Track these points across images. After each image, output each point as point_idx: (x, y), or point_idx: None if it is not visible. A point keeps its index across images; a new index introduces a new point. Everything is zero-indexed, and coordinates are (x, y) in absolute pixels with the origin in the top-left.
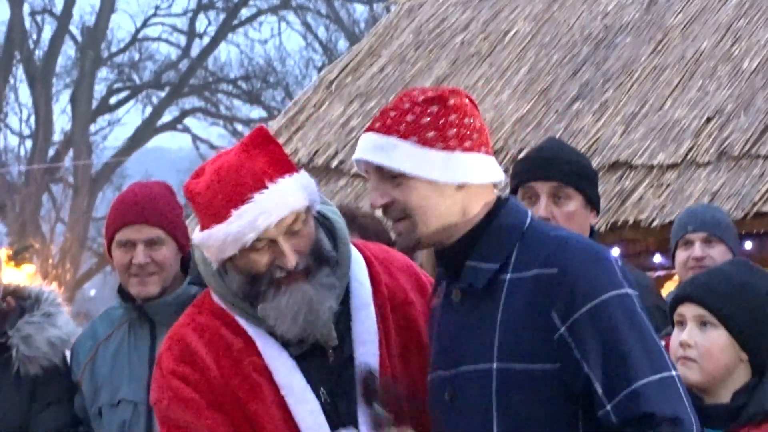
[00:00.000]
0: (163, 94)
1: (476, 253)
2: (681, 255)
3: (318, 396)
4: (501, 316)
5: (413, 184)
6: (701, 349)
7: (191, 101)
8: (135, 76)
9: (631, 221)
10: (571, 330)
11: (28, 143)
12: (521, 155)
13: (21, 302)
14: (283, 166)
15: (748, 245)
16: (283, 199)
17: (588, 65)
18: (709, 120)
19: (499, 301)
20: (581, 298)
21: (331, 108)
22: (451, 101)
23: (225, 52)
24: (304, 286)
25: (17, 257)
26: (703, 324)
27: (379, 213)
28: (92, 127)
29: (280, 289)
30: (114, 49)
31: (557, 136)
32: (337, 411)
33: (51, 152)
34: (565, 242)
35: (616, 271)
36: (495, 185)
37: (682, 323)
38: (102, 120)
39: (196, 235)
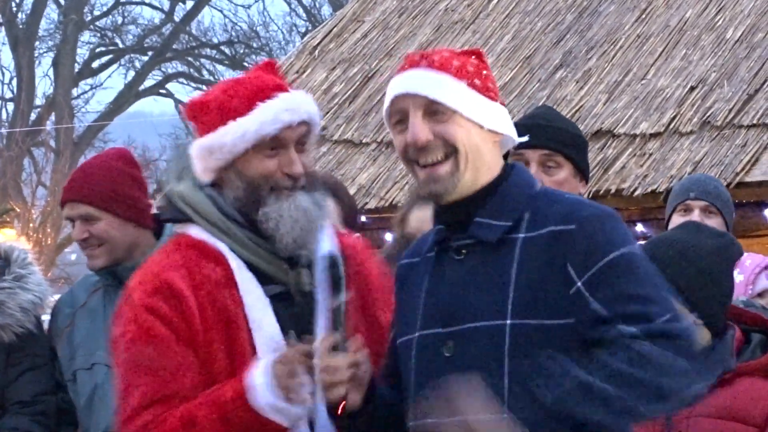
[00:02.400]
0: (146, 58)
1: (486, 210)
2: (677, 220)
3: (285, 337)
4: (516, 274)
5: (462, 123)
6: None
7: (174, 66)
8: (118, 40)
9: (613, 190)
10: (589, 283)
11: (10, 106)
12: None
13: None
14: (291, 90)
15: None
16: (304, 104)
17: (571, 33)
18: (692, 89)
19: (512, 259)
20: (600, 253)
21: (314, 74)
22: (484, 59)
23: (208, 16)
24: (304, 197)
25: None
26: None
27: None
28: (74, 91)
29: (281, 195)
30: (97, 12)
31: (540, 104)
32: None
33: (33, 116)
34: (580, 202)
35: (627, 230)
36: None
37: None
38: (84, 84)
39: (201, 140)
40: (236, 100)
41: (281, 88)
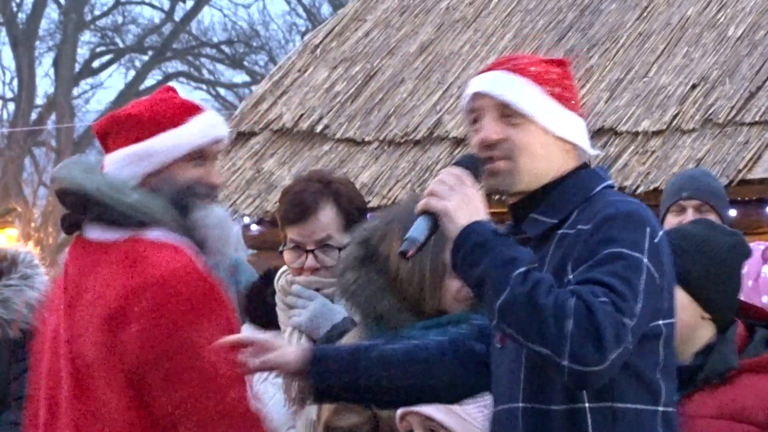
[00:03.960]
0: (146, 57)
1: (541, 207)
2: (671, 221)
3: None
4: (546, 268)
5: (532, 128)
6: None
7: (174, 65)
8: (118, 40)
9: (615, 188)
10: (574, 275)
11: (11, 106)
12: None
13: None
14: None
15: (733, 212)
16: (221, 122)
17: (573, 31)
18: (694, 87)
19: (547, 253)
20: (596, 249)
21: (315, 72)
22: (567, 69)
23: (208, 16)
24: (216, 207)
25: (0, 220)
26: None
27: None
28: (75, 91)
29: (203, 204)
30: (97, 12)
31: None
32: None
33: (34, 115)
34: (614, 204)
35: (645, 238)
36: (585, 157)
37: None
38: (85, 83)
39: (130, 148)
40: (168, 113)
41: (201, 108)
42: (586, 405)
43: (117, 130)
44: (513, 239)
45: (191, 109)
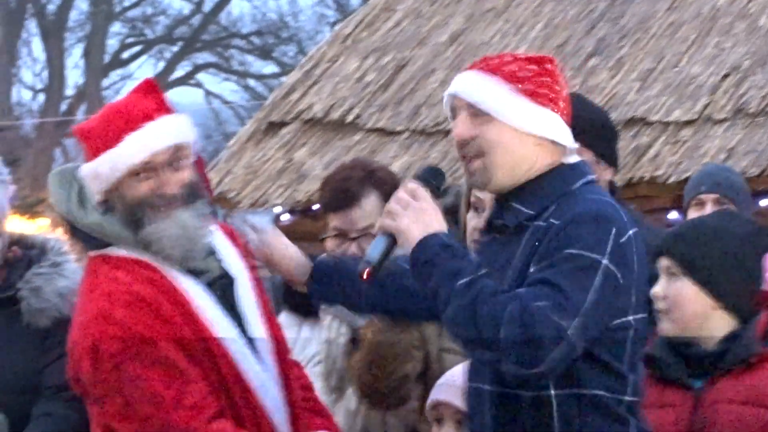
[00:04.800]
0: (175, 48)
1: (521, 198)
2: (692, 215)
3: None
4: (518, 257)
5: (499, 126)
6: (670, 300)
7: (204, 56)
8: (147, 31)
9: (647, 178)
10: (531, 273)
11: (41, 97)
12: None
13: (27, 252)
14: (169, 108)
15: (764, 203)
16: (170, 130)
17: (604, 21)
18: (725, 76)
19: (521, 242)
20: (561, 248)
21: (346, 63)
22: (548, 66)
23: (237, 7)
24: (183, 213)
25: (31, 210)
26: (672, 275)
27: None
28: (105, 82)
29: (159, 215)
30: (127, 3)
31: (573, 91)
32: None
33: (64, 106)
34: (584, 202)
35: (609, 239)
36: (565, 151)
37: (660, 276)
38: (114, 74)
39: (86, 166)
40: (110, 131)
41: (149, 117)
42: (552, 392)
43: (82, 143)
44: (462, 249)
45: (130, 125)
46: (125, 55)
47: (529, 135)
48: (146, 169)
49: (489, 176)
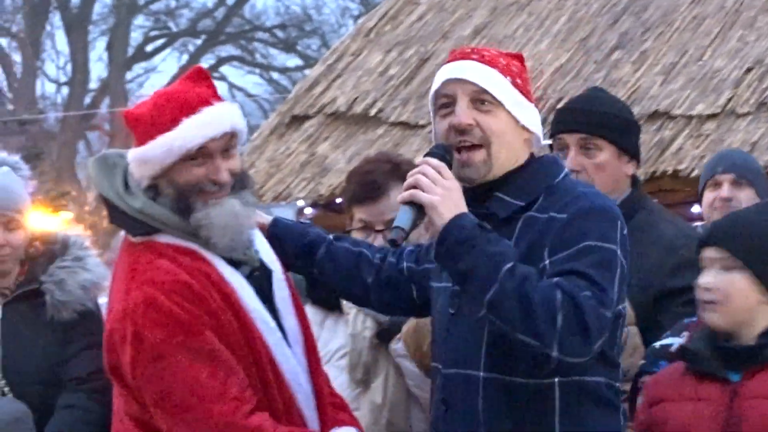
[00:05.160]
0: (199, 41)
1: (507, 189)
2: (708, 196)
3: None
4: (512, 245)
5: (501, 115)
6: (722, 292)
7: (227, 49)
8: (171, 24)
9: (670, 171)
10: (553, 263)
11: (65, 90)
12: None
13: (50, 246)
14: (220, 96)
15: None
16: (226, 116)
17: (627, 14)
18: (749, 70)
19: (512, 234)
20: (574, 241)
21: (369, 56)
22: (524, 62)
23: (261, 0)
24: (232, 200)
25: (55, 203)
26: (724, 267)
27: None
28: (128, 75)
29: (209, 201)
30: None
31: (596, 86)
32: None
33: (87, 99)
34: (584, 196)
35: (617, 231)
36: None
37: (707, 267)
38: (138, 67)
39: (136, 150)
40: (164, 115)
41: (206, 102)
42: (556, 379)
43: (131, 129)
44: (495, 233)
45: (186, 109)
46: (149, 48)
47: (523, 129)
48: (202, 154)
49: (489, 167)
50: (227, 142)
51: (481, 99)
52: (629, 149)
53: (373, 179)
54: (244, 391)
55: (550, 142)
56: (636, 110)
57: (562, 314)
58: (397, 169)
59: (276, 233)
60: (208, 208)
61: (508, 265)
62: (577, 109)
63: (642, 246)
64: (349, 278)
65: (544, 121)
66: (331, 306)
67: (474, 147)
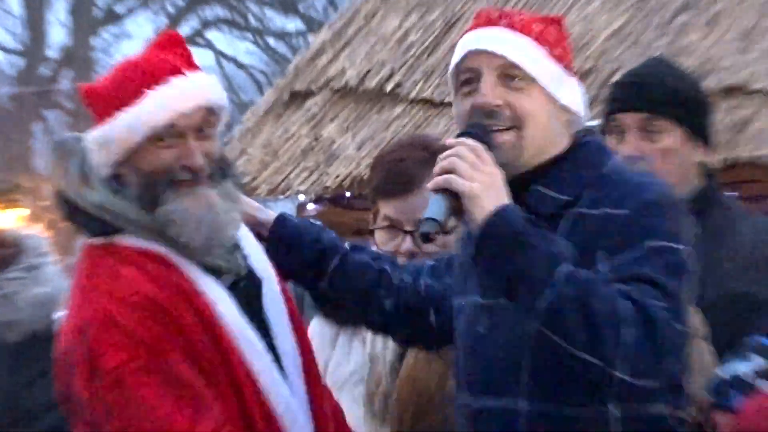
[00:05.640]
0: (180, 1)
1: (548, 180)
2: None
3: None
4: None
5: (535, 93)
6: None
7: (214, 10)
8: None
9: (746, 157)
10: (611, 269)
11: (19, 61)
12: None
13: (1, 251)
14: (197, 66)
15: None
16: (201, 87)
17: None
18: None
19: (560, 234)
20: (638, 240)
21: (385, 20)
22: (564, 27)
23: None
24: (209, 191)
25: (5, 197)
26: None
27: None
28: (96, 42)
29: (180, 191)
30: None
31: (659, 54)
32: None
33: (46, 71)
34: (645, 186)
35: (684, 229)
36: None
37: None
38: (107, 33)
39: (94, 132)
40: (125, 87)
41: (176, 71)
42: (614, 409)
43: (89, 107)
44: (545, 228)
45: (151, 79)
46: (120, 9)
47: (563, 109)
48: (171, 133)
49: (519, 153)
50: (202, 120)
51: (511, 75)
52: (701, 132)
53: (405, 169)
54: (221, 427)
55: (597, 122)
56: (706, 85)
57: (630, 328)
58: (433, 158)
59: (282, 235)
60: (179, 199)
61: (567, 268)
62: (637, 84)
63: (717, 250)
64: (364, 300)
65: (595, 98)
66: (344, 319)
67: (505, 129)
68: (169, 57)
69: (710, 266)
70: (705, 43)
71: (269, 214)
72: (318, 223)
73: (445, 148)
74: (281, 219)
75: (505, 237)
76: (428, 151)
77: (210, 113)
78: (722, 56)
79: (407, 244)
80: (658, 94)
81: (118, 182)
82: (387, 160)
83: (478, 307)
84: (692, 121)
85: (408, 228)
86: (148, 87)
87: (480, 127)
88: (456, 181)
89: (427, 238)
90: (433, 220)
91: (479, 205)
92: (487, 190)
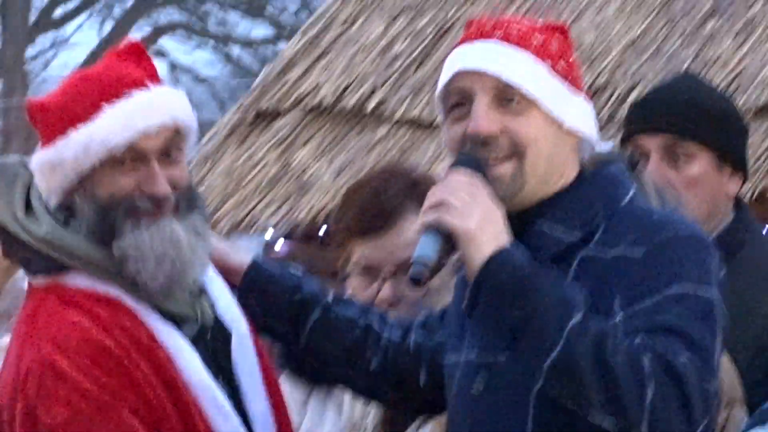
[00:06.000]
0: (129, 2)
1: (554, 217)
2: None
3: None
4: None
5: (536, 116)
6: None
7: (168, 13)
8: None
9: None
10: (628, 319)
11: None
12: (638, 96)
13: None
14: (161, 80)
15: None
16: (167, 103)
17: None
18: None
19: (565, 277)
20: (658, 284)
21: (367, 25)
22: (569, 36)
23: None
24: (173, 224)
25: None
26: None
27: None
28: (30, 50)
29: (140, 222)
30: None
31: (683, 67)
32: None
33: None
34: (666, 224)
35: (712, 269)
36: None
37: None
38: (43, 39)
39: (41, 154)
40: (80, 102)
41: (139, 84)
42: None
43: (35, 125)
44: (554, 269)
45: (109, 92)
46: (57, 12)
47: (569, 132)
48: (132, 155)
49: (520, 185)
50: (168, 141)
51: (508, 96)
52: (733, 158)
53: (381, 203)
54: None
55: (611, 144)
56: (739, 102)
57: (653, 386)
58: (414, 189)
59: (255, 281)
60: (139, 231)
61: (578, 317)
62: (661, 102)
63: (752, 291)
64: (347, 360)
65: (611, 118)
66: (316, 377)
67: (503, 158)
68: (130, 68)
69: (744, 309)
70: (738, 54)
71: (242, 257)
72: (298, 271)
73: (430, 178)
74: (255, 265)
75: (506, 283)
76: (408, 181)
77: (176, 134)
78: (758, 70)
79: (387, 291)
80: (686, 113)
81: (68, 212)
82: (361, 193)
83: (475, 365)
84: (724, 145)
85: (387, 271)
86: (107, 101)
87: (474, 157)
88: (448, 219)
89: (417, 282)
90: (422, 262)
91: (476, 246)
92: (484, 228)
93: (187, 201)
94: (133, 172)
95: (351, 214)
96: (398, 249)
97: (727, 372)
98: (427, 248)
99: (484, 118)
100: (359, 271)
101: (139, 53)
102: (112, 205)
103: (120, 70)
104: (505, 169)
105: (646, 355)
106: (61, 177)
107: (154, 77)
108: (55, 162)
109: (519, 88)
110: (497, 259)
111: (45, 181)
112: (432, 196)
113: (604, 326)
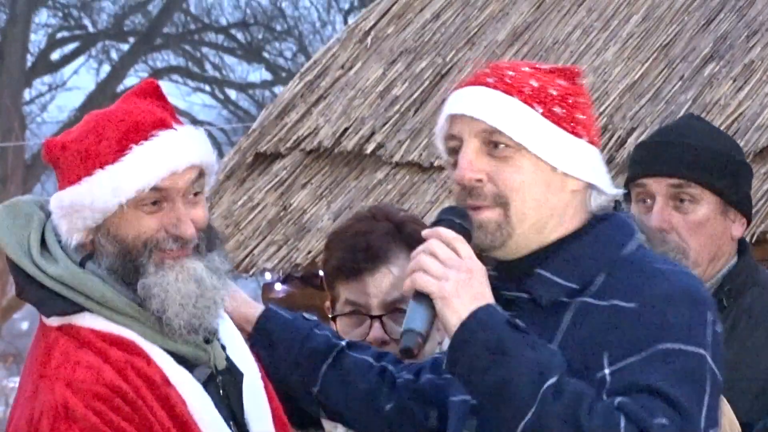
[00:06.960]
0: (126, 46)
1: (553, 264)
2: None
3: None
4: (556, 344)
5: (525, 161)
6: None
7: (165, 57)
8: (87, 22)
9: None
10: (615, 375)
11: None
12: (636, 139)
13: None
14: (179, 120)
15: None
16: (193, 144)
17: (726, 12)
18: None
19: (559, 324)
20: (645, 341)
21: (365, 70)
22: (580, 80)
23: None
24: (196, 264)
25: None
26: None
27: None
28: (27, 93)
29: (164, 263)
30: None
31: (682, 111)
32: None
33: None
34: (660, 276)
35: (707, 327)
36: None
37: None
38: (41, 83)
39: (62, 194)
40: (104, 142)
41: (163, 124)
42: None
43: (54, 164)
44: (529, 332)
45: (135, 133)
46: (55, 55)
47: (566, 177)
48: (158, 196)
49: (507, 234)
50: (193, 182)
51: (494, 141)
52: (738, 201)
53: (368, 244)
54: None
55: (623, 191)
56: (738, 145)
57: None
58: (400, 230)
59: (267, 330)
60: (164, 272)
61: (552, 380)
62: (667, 145)
63: (756, 337)
64: (364, 405)
65: (611, 160)
66: (303, 422)
67: (488, 206)
68: (153, 108)
69: (747, 353)
70: (737, 97)
71: (255, 307)
72: (312, 318)
73: (416, 219)
74: (268, 312)
75: (481, 346)
76: (392, 223)
77: (200, 175)
78: (757, 112)
79: (376, 331)
80: (692, 157)
81: (87, 251)
82: (347, 235)
83: (467, 406)
84: (729, 189)
85: (375, 312)
86: (135, 142)
87: (456, 212)
88: (425, 281)
89: (409, 353)
90: (412, 332)
91: (451, 309)
92: (460, 290)
93: (207, 241)
94: (158, 213)
95: (337, 257)
96: (386, 290)
97: (726, 415)
98: (417, 317)
99: (467, 165)
100: (348, 312)
101: (158, 93)
102: (137, 246)
103: (143, 110)
104: (489, 216)
105: (622, 418)
106: (84, 218)
107: (175, 117)
108: (80, 202)
109: (504, 132)
110: (471, 322)
111: (67, 221)
112: (412, 260)
113: (581, 387)
